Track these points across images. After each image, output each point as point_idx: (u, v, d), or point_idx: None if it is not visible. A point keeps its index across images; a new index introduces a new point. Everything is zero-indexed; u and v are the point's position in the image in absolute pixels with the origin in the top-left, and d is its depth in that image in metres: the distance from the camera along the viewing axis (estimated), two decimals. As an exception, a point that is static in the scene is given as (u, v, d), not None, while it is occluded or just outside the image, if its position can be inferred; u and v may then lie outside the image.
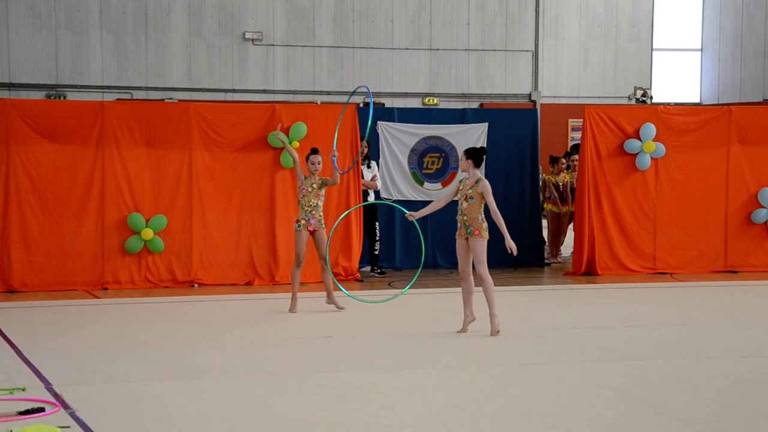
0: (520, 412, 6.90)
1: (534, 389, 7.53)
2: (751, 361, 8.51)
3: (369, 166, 14.09)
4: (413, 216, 9.92)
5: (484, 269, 9.59)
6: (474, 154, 9.69)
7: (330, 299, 11.04)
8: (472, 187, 9.59)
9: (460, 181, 9.84)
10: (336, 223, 11.91)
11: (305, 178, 11.04)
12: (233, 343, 9.31)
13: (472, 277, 9.75)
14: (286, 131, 13.21)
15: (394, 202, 14.57)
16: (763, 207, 14.36)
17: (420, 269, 10.93)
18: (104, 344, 9.21)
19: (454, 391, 7.45)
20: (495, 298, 9.63)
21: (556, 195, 15.56)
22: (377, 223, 14.18)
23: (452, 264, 14.67)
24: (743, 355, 8.76)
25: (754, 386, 7.57)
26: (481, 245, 9.58)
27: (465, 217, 9.59)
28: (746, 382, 7.68)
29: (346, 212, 12.69)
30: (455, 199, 9.87)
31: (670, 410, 6.89)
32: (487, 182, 9.63)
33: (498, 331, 9.52)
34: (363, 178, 13.91)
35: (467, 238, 9.61)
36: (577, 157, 15.47)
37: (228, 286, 12.85)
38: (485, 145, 14.73)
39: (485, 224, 9.62)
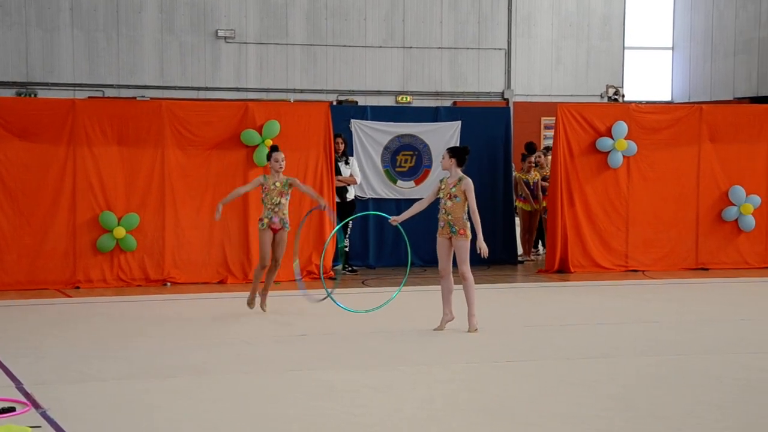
0: (494, 409, 6.92)
1: (508, 386, 7.55)
2: (721, 357, 8.58)
3: (347, 163, 14.10)
4: (396, 220, 9.94)
5: (467, 268, 9.63)
6: (458, 153, 9.72)
7: (262, 299, 10.78)
8: (456, 186, 9.60)
9: (441, 181, 9.83)
10: (301, 223, 11.85)
11: (266, 176, 10.83)
12: (207, 341, 9.27)
13: (451, 276, 9.76)
14: (259, 129, 13.18)
15: (368, 199, 14.61)
16: (734, 205, 14.48)
17: (407, 274, 10.73)
18: (76, 343, 9.15)
19: (428, 389, 7.45)
20: (475, 297, 9.66)
21: (528, 192, 15.62)
22: (351, 222, 14.16)
23: (426, 262, 14.72)
24: (714, 352, 8.83)
25: (724, 382, 7.63)
26: (465, 245, 9.61)
27: (449, 216, 9.59)
28: (717, 379, 7.73)
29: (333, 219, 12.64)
30: (438, 197, 9.86)
31: (641, 406, 6.93)
32: (470, 180, 9.66)
33: (476, 330, 9.56)
34: (340, 174, 13.91)
35: (450, 238, 9.62)
36: (534, 156, 15.59)
37: (201, 284, 12.80)
38: (458, 143, 14.78)
39: (469, 223, 9.65)
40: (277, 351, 8.87)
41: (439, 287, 9.84)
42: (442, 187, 9.71)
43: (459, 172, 9.68)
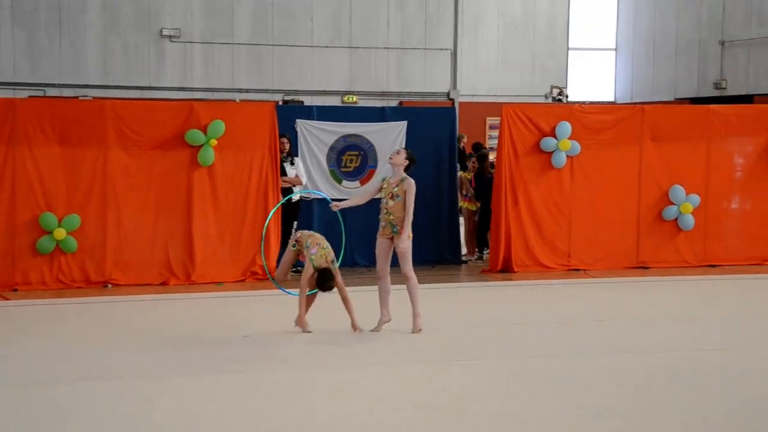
0: (435, 408, 6.95)
1: (450, 386, 7.59)
2: (664, 355, 8.69)
3: (292, 163, 14.06)
4: (337, 206, 9.92)
5: (410, 268, 9.67)
6: (412, 159, 9.76)
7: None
8: (398, 185, 9.62)
9: (384, 180, 9.85)
10: (266, 224, 11.82)
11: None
12: (149, 343, 9.20)
13: (389, 277, 9.78)
14: (204, 129, 13.10)
15: (313, 200, 14.57)
16: (674, 204, 14.67)
17: (340, 260, 10.53)
18: (13, 346, 9.02)
19: (371, 389, 7.47)
20: (419, 296, 9.69)
21: (472, 192, 15.70)
22: (296, 222, 14.13)
23: (370, 262, 14.72)
24: (657, 350, 8.94)
25: (669, 379, 7.73)
26: (407, 244, 9.60)
27: (391, 216, 9.60)
28: (661, 375, 7.84)
29: (274, 210, 12.57)
30: (378, 197, 9.87)
31: (588, 404, 7.01)
32: (412, 181, 9.69)
33: (420, 330, 9.59)
34: (286, 175, 13.87)
35: (391, 238, 9.63)
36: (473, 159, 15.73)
37: (143, 286, 12.68)
38: (404, 144, 14.83)
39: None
40: (219, 352, 8.81)
41: (377, 288, 9.83)
42: (384, 186, 9.73)
43: (403, 172, 9.72)
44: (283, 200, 12.76)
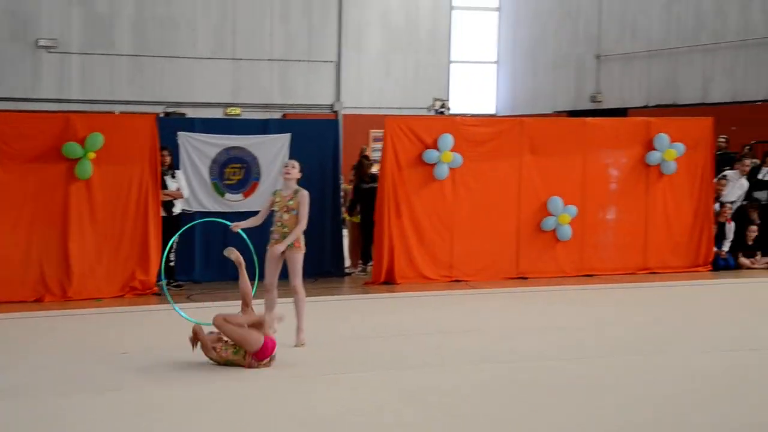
0: (313, 422, 6.94)
1: (332, 399, 7.58)
2: (541, 363, 8.85)
3: (173, 176, 13.87)
4: (237, 226, 9.73)
5: (299, 282, 9.71)
6: (302, 171, 9.81)
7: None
8: (293, 198, 9.63)
9: (274, 193, 9.80)
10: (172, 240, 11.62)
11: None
12: (23, 362, 8.94)
13: (276, 290, 9.75)
14: (81, 142, 12.83)
15: (195, 213, 14.39)
16: (552, 215, 14.99)
17: (256, 284, 10.21)
18: None
19: (248, 403, 7.41)
20: (305, 311, 9.68)
21: (347, 204, 15.73)
22: (176, 236, 13.92)
23: (252, 276, 14.63)
24: (535, 359, 9.10)
25: (547, 388, 7.87)
26: (299, 257, 9.67)
27: (285, 229, 9.60)
28: (540, 385, 7.97)
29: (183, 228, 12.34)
30: (273, 210, 9.78)
31: (468, 414, 7.09)
32: (306, 193, 9.75)
33: (303, 344, 9.57)
34: (167, 188, 13.67)
35: (283, 251, 9.56)
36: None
37: (16, 303, 12.29)
38: (288, 156, 14.77)
39: (302, 236, 9.65)
40: (95, 369, 8.62)
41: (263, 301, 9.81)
42: (277, 200, 9.69)
43: (295, 185, 9.74)
44: (182, 229, 12.50)
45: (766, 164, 17.14)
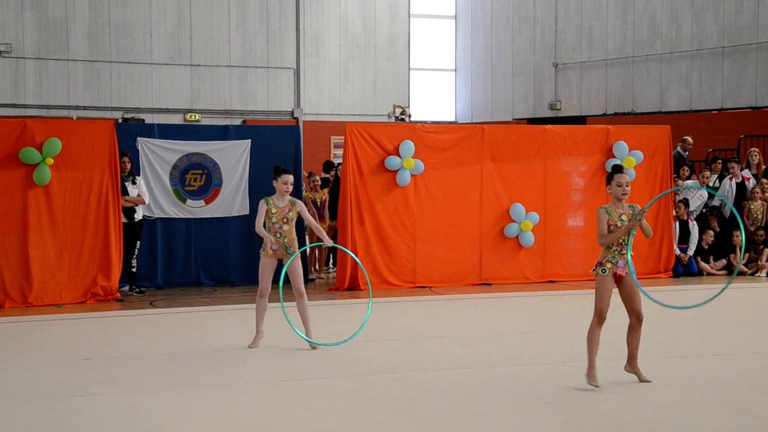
0: (280, 428, 6.89)
1: (296, 405, 7.53)
2: (503, 369, 8.87)
3: (134, 182, 13.74)
4: (330, 243, 10.01)
5: (303, 285, 9.90)
6: None
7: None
8: (291, 210, 9.67)
9: (268, 204, 9.60)
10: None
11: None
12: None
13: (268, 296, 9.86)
14: (39, 147, 12.66)
15: (157, 220, 14.27)
16: (515, 222, 15.07)
17: (370, 304, 10.15)
18: None
19: (216, 411, 7.34)
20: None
21: (314, 211, 15.70)
22: (138, 242, 13.80)
23: (216, 282, 14.57)
24: (496, 364, 9.12)
25: (506, 394, 7.88)
26: (300, 263, 9.80)
27: (286, 239, 9.68)
28: (500, 390, 7.98)
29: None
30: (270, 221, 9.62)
31: (427, 420, 7.08)
32: (300, 201, 9.89)
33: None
34: (127, 194, 13.54)
35: (281, 258, 9.70)
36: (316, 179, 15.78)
37: (-24, 310, 12.12)
38: (248, 162, 14.71)
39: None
40: (56, 376, 8.49)
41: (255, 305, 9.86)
42: (273, 211, 9.61)
43: (289, 195, 9.67)
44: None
45: (715, 171, 17.41)
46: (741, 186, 17.02)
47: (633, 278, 8.08)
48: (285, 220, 9.66)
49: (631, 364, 8.22)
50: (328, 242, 10.01)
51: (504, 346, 10.02)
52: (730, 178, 17.05)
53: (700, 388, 8.09)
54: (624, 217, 8.05)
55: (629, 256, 8.06)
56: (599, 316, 8.02)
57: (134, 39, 24.43)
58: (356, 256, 14.25)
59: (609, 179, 8.19)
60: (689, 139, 18.85)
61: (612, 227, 7.99)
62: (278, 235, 9.67)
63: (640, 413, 7.26)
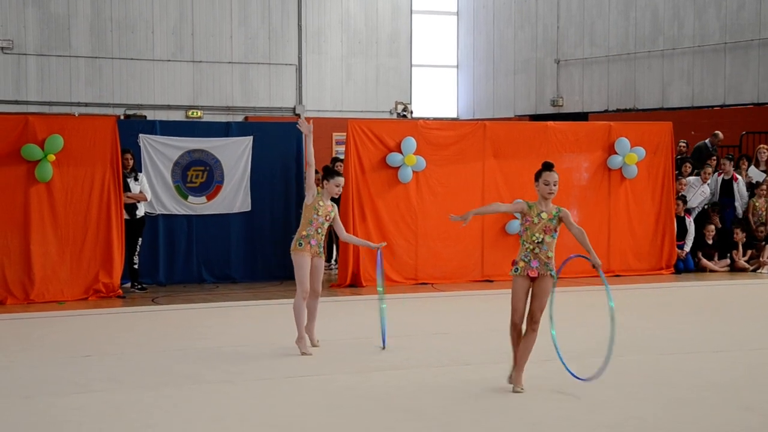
0: (282, 424, 6.89)
1: (298, 402, 7.54)
2: (506, 366, 8.85)
3: (136, 179, 13.75)
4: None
5: (320, 286, 9.63)
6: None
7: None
8: (333, 209, 9.40)
9: (319, 200, 9.32)
10: None
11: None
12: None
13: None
14: (41, 144, 12.67)
15: (158, 216, 14.28)
16: (516, 218, 15.04)
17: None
18: None
19: (218, 407, 7.34)
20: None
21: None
22: (140, 239, 13.81)
23: (218, 279, 14.59)
24: (498, 361, 9.11)
25: (509, 390, 7.88)
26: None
27: (322, 237, 9.38)
28: (503, 387, 7.97)
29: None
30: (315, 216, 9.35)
31: (429, 416, 7.08)
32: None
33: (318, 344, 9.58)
34: (129, 191, 13.55)
35: (315, 257, 9.36)
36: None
37: (-22, 306, 12.13)
38: (250, 159, 14.73)
39: None
40: (59, 372, 8.49)
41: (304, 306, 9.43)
42: (321, 204, 9.33)
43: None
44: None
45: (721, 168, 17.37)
46: (727, 183, 16.95)
47: (553, 282, 7.73)
48: (327, 217, 9.36)
49: (516, 370, 7.78)
50: (377, 246, 9.74)
51: (506, 343, 9.98)
52: (719, 174, 17.04)
53: (703, 385, 8.08)
54: (543, 215, 7.79)
55: (550, 259, 7.73)
56: (513, 318, 7.71)
57: (136, 35, 24.43)
58: (357, 252, 14.27)
59: (538, 176, 7.88)
60: (720, 134, 18.81)
61: (528, 223, 7.78)
62: (318, 231, 9.34)
63: (642, 412, 7.25)
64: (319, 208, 9.32)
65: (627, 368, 8.64)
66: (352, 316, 11.95)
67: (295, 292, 9.38)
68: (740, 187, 16.91)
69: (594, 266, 7.78)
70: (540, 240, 7.77)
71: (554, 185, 7.82)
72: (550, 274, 7.74)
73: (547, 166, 7.88)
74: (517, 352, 7.77)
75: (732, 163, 17.19)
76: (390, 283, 14.31)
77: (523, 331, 7.81)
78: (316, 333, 9.74)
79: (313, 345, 9.57)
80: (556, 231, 7.83)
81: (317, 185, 9.74)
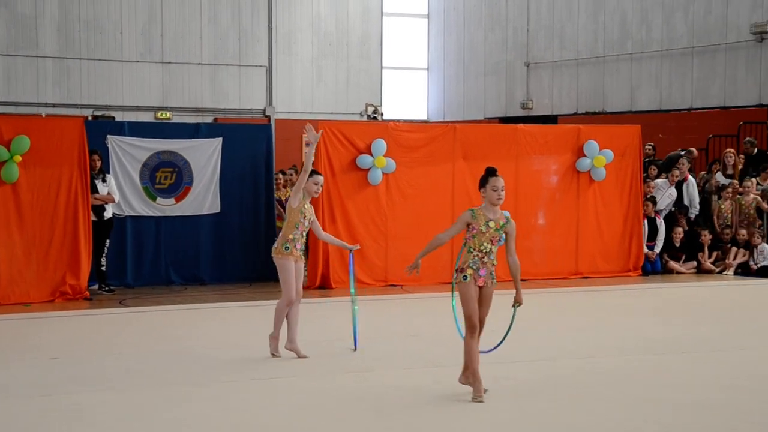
0: (251, 427, 6.87)
1: (267, 404, 7.52)
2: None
3: (104, 180, 13.66)
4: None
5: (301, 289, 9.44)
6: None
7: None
8: (310, 210, 9.27)
9: (304, 204, 9.21)
10: None
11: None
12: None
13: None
14: (7, 145, 12.55)
15: (126, 218, 14.19)
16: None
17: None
18: None
19: (184, 409, 7.30)
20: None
21: (281, 210, 15.64)
22: (108, 240, 13.72)
23: (186, 280, 14.51)
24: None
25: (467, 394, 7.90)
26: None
27: (305, 240, 9.28)
28: (471, 391, 7.97)
29: None
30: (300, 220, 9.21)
31: (399, 418, 7.09)
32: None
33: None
34: (97, 192, 13.45)
35: (298, 261, 9.25)
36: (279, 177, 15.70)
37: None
38: (219, 160, 14.68)
39: None
40: (25, 375, 8.41)
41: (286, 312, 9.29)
42: (307, 207, 9.19)
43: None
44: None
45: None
46: (678, 185, 17.03)
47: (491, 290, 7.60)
48: (310, 220, 9.22)
49: (465, 374, 7.64)
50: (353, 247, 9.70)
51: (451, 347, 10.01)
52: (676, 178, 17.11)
53: (668, 386, 8.13)
54: (492, 224, 7.59)
55: (494, 267, 7.64)
56: (469, 324, 7.55)
57: (104, 36, 24.28)
58: (327, 254, 14.25)
59: (483, 182, 7.59)
60: (694, 151, 18.86)
61: (475, 231, 7.57)
62: (303, 234, 9.21)
63: (608, 412, 7.29)
64: (305, 211, 9.18)
65: (594, 369, 8.68)
66: (322, 318, 11.92)
67: (280, 296, 9.18)
68: (690, 189, 17.03)
69: (514, 304, 7.70)
70: (488, 250, 7.65)
71: (502, 191, 7.58)
72: (493, 281, 7.69)
73: (492, 172, 7.61)
74: (469, 356, 7.61)
75: (688, 165, 17.34)
76: (360, 285, 14.27)
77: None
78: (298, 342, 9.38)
79: (300, 356, 9.22)
80: (501, 240, 7.67)
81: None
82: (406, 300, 13.57)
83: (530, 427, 6.91)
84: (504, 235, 7.69)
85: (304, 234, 9.24)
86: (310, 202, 9.35)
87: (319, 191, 9.34)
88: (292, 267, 9.12)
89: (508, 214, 7.79)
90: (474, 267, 7.60)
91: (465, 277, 7.60)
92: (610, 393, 7.84)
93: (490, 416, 7.18)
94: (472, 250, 7.61)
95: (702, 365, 9.02)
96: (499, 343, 7.96)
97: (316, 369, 8.77)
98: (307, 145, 9.26)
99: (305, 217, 9.16)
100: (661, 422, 6.96)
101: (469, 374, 7.60)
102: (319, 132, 9.38)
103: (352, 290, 9.74)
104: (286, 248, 9.11)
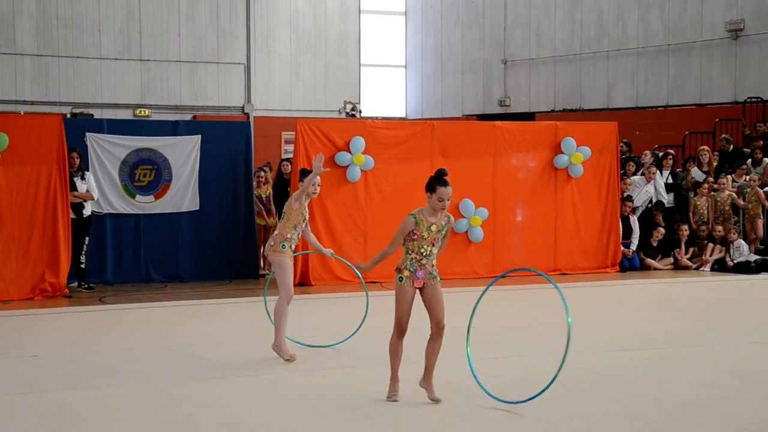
0: (232, 423, 6.91)
1: (249, 400, 7.56)
2: (454, 363, 8.95)
3: (83, 178, 13.65)
4: (359, 267, 9.00)
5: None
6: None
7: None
8: (306, 210, 9.26)
9: (302, 206, 9.19)
10: None
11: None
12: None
13: None
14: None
15: (106, 215, 14.19)
16: (464, 217, 15.18)
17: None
18: None
19: (167, 406, 7.34)
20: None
21: (261, 207, 15.67)
22: (87, 238, 13.71)
23: (166, 278, 14.52)
24: (449, 359, 9.18)
25: (457, 387, 7.96)
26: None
27: (298, 239, 9.24)
28: (454, 384, 8.04)
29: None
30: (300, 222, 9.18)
31: (379, 414, 7.15)
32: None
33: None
34: (76, 190, 13.44)
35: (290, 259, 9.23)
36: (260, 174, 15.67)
37: None
38: (198, 158, 14.69)
39: None
40: (5, 372, 8.43)
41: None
42: (305, 209, 9.19)
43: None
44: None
45: (666, 167, 17.65)
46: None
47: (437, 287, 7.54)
48: (304, 219, 9.21)
49: (425, 378, 7.57)
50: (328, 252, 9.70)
51: (454, 341, 10.09)
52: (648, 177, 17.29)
53: (651, 380, 8.22)
54: (433, 228, 7.44)
55: (434, 266, 7.56)
56: (398, 327, 7.54)
57: (83, 33, 24.22)
58: (305, 250, 14.28)
59: (431, 188, 7.40)
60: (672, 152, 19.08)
61: (416, 236, 7.41)
62: (299, 235, 9.19)
63: (588, 408, 7.37)
64: (306, 213, 9.21)
65: (576, 366, 8.77)
66: (301, 314, 11.95)
67: (264, 293, 9.20)
68: (657, 180, 17.17)
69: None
70: (428, 252, 7.52)
71: (448, 200, 7.43)
72: (435, 279, 7.60)
73: (442, 179, 7.40)
74: (428, 358, 7.60)
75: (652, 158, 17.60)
76: (338, 282, 14.35)
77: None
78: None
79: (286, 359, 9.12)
80: (441, 240, 7.61)
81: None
82: (385, 296, 13.60)
83: (518, 425, 6.99)
84: (444, 233, 7.58)
85: (299, 234, 9.27)
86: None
87: (317, 191, 9.29)
88: (289, 265, 9.15)
89: (448, 213, 7.69)
90: (411, 269, 7.48)
91: (401, 279, 7.49)
92: (593, 390, 7.93)
93: (473, 413, 7.25)
94: (410, 252, 7.50)
95: (683, 362, 9.12)
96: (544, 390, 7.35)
97: (299, 366, 8.82)
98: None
99: (304, 219, 9.20)
100: (646, 419, 7.05)
101: (428, 377, 7.59)
102: (326, 169, 9.31)
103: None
104: (283, 246, 9.11)
